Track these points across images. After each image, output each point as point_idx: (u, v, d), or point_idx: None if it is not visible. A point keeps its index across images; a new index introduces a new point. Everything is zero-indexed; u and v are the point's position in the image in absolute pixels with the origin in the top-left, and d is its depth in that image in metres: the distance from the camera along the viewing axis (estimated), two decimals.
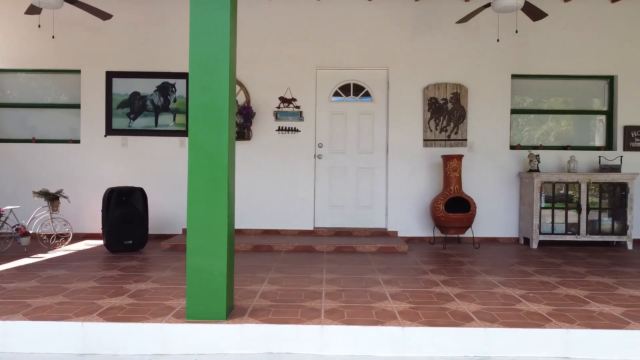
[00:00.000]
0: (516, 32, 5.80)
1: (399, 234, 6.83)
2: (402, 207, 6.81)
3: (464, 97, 6.78)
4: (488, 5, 5.33)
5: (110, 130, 6.84)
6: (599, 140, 6.98)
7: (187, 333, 3.06)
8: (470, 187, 6.78)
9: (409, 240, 6.79)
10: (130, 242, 5.75)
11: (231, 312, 3.31)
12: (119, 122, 6.84)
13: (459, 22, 5.68)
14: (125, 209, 5.75)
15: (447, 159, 6.32)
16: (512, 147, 6.87)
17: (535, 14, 5.41)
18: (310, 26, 6.83)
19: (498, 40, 6.22)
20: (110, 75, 6.86)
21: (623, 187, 6.33)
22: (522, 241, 6.71)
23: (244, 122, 6.69)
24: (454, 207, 6.30)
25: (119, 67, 6.82)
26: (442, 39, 6.78)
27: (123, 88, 6.82)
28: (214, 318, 3.15)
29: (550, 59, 6.82)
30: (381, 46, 6.82)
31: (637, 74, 6.78)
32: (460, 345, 3.02)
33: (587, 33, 6.80)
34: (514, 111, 6.95)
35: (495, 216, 6.81)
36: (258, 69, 6.82)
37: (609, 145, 6.90)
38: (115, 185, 6.50)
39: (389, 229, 6.85)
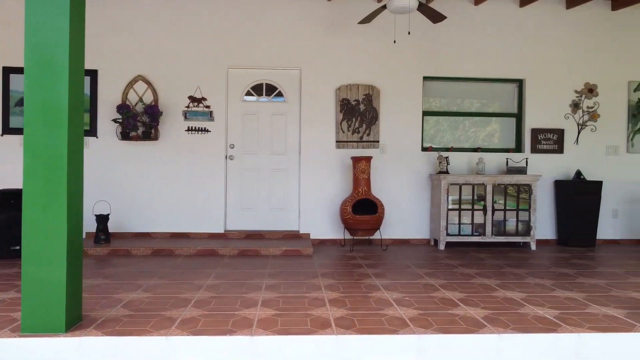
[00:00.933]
0: (408, 33, 5.89)
1: (312, 237, 6.74)
2: (315, 209, 6.73)
3: (376, 98, 6.76)
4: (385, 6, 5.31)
5: (7, 130, 6.48)
6: (510, 142, 7.09)
7: (19, 347, 2.85)
8: (382, 188, 6.77)
9: (322, 242, 6.71)
10: (18, 247, 5.43)
11: (77, 324, 3.12)
12: (17, 121, 6.49)
13: (361, 22, 5.63)
14: (12, 212, 5.43)
15: (355, 160, 6.28)
16: (424, 149, 6.90)
17: (434, 16, 5.42)
18: (222, 24, 6.66)
19: (395, 42, 6.21)
20: (7, 71, 6.49)
21: (527, 189, 6.45)
22: (432, 242, 6.74)
23: (150, 121, 6.46)
24: (363, 209, 6.26)
25: (19, 63, 6.46)
26: (354, 40, 6.74)
27: (22, 85, 6.47)
28: (51, 331, 2.95)
29: (462, 62, 6.88)
30: (294, 46, 6.72)
31: (544, 77, 6.92)
32: (316, 352, 2.93)
33: (497, 36, 6.89)
34: (426, 113, 6.98)
35: (407, 218, 6.82)
36: (167, 67, 6.61)
37: (518, 147, 7.02)
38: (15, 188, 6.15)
39: (301, 232, 6.75)
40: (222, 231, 6.69)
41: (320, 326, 3.15)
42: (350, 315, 3.39)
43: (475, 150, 6.97)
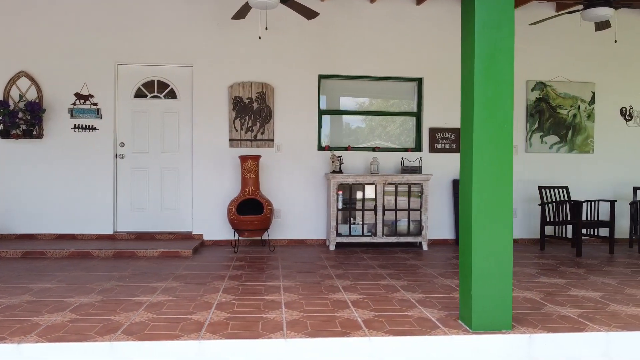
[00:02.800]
0: (266, 28, 5.81)
1: (205, 237, 6.59)
2: (208, 209, 6.58)
3: (270, 96, 6.64)
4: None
5: None
6: (410, 141, 7.03)
7: None
8: (277, 188, 6.65)
9: (215, 243, 6.56)
10: None
11: None
12: None
13: (233, 18, 5.49)
14: None
15: (242, 159, 6.15)
16: (321, 148, 6.79)
17: (305, 12, 5.31)
18: (110, 18, 6.47)
19: (260, 38, 6.08)
20: None
21: (419, 188, 6.39)
22: (328, 243, 6.64)
23: (31, 119, 6.23)
24: (252, 209, 6.13)
25: None
26: (248, 37, 6.60)
27: None
28: None
29: (360, 60, 6.80)
30: (186, 42, 6.56)
31: (442, 76, 6.87)
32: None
33: (395, 34, 6.82)
34: (325, 112, 6.87)
35: (303, 218, 6.71)
36: (52, 63, 6.39)
37: (418, 146, 6.97)
38: None
39: (194, 232, 6.60)
40: (111, 232, 6.49)
41: (109, 331, 3.00)
42: (151, 320, 3.24)
43: (373, 149, 6.88)
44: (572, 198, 6.98)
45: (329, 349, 2.94)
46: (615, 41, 5.65)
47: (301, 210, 6.71)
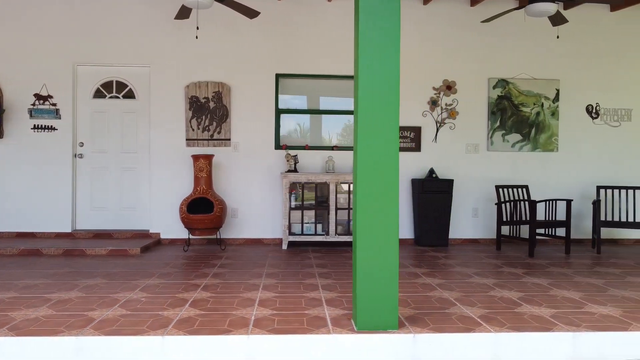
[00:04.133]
0: (197, 28, 5.97)
1: (162, 236, 6.65)
2: (165, 208, 6.63)
3: (226, 95, 6.66)
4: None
5: None
6: None
7: None
8: (235, 187, 6.67)
9: (172, 242, 6.61)
10: None
11: None
12: None
13: (176, 18, 5.52)
14: None
15: (194, 159, 6.18)
16: (278, 147, 6.79)
17: (246, 12, 5.32)
18: (68, 19, 6.56)
19: (197, 38, 6.10)
20: None
21: None
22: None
23: None
24: (205, 208, 6.15)
25: None
26: (204, 37, 6.64)
27: None
28: None
29: (318, 59, 6.78)
30: (143, 43, 6.62)
31: (402, 74, 6.72)
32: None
33: (352, 33, 6.76)
34: (283, 111, 6.87)
35: (260, 217, 6.72)
36: (12, 64, 6.52)
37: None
38: None
39: (152, 231, 6.66)
40: (69, 230, 6.59)
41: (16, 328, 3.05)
42: (46, 317, 3.29)
43: (332, 148, 6.86)
44: (536, 197, 6.86)
45: (208, 347, 2.94)
46: (558, 37, 5.53)
47: (258, 210, 6.72)
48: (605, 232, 6.95)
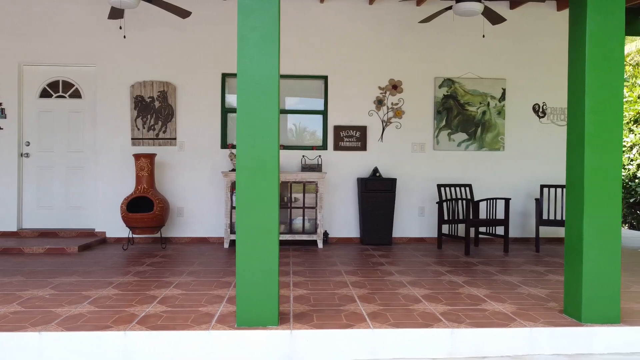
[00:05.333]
0: (120, 27, 5.95)
1: (108, 235, 6.68)
2: (111, 207, 6.66)
3: (171, 95, 6.69)
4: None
5: None
6: (319, 139, 7.00)
7: None
8: (181, 186, 6.69)
9: (117, 240, 6.64)
10: None
11: None
12: None
13: (109, 18, 5.54)
14: None
15: (136, 158, 6.21)
16: (225, 147, 6.82)
17: (179, 12, 5.35)
18: (13, 18, 6.59)
19: (125, 37, 6.11)
20: None
21: (312, 186, 6.37)
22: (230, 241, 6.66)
23: None
24: (146, 207, 6.18)
25: None
26: (150, 36, 6.67)
27: None
28: None
29: None
30: (89, 42, 6.65)
31: (347, 74, 6.85)
32: None
33: (300, 33, 6.81)
34: (230, 110, 6.89)
35: (206, 216, 6.74)
36: None
37: (324, 144, 6.94)
38: None
39: (97, 230, 6.69)
40: (15, 229, 6.62)
41: None
42: None
43: (280, 148, 6.86)
44: (482, 196, 6.88)
45: (84, 344, 2.96)
46: (484, 36, 5.56)
47: (204, 208, 6.74)
48: (552, 231, 6.98)
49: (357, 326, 3.16)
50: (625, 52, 11.69)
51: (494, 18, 5.68)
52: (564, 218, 6.82)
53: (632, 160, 9.58)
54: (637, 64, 11.05)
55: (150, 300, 3.72)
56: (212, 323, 3.19)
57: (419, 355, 3.12)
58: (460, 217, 6.29)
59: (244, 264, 3.12)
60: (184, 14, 5.41)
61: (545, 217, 6.74)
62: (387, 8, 6.83)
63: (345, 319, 3.30)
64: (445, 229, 6.67)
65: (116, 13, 5.41)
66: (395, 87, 6.89)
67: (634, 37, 11.41)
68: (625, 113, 9.83)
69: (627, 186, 9.66)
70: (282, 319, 3.28)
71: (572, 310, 3.36)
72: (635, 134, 9.53)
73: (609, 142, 3.24)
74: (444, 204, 6.53)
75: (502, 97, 6.97)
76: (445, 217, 6.46)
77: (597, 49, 3.23)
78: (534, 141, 7.04)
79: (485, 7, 5.48)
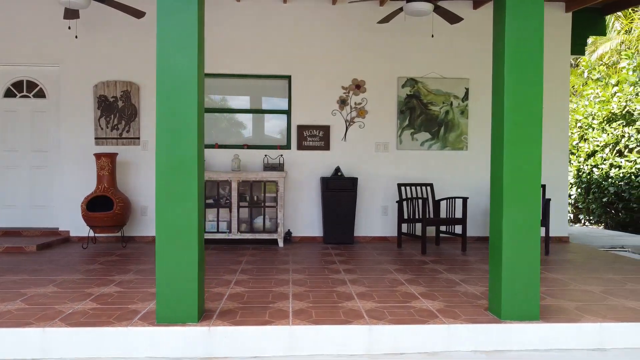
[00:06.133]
0: (69, 27, 6.10)
1: (72, 234, 6.71)
2: (75, 206, 6.68)
3: (135, 95, 6.73)
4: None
5: None
6: (283, 139, 7.03)
7: None
8: (145, 185, 6.71)
9: (81, 239, 6.67)
10: None
11: None
12: None
13: (65, 18, 5.57)
14: None
15: (96, 157, 6.25)
16: None
17: (133, 13, 5.39)
18: None
19: (77, 37, 6.14)
20: None
21: (273, 186, 6.41)
22: None
23: None
24: (108, 206, 6.20)
25: None
26: (114, 37, 6.70)
27: None
28: None
29: (229, 59, 6.84)
30: (52, 42, 6.68)
31: (310, 74, 6.87)
32: None
33: (263, 33, 6.85)
34: None
35: None
36: None
37: (288, 144, 6.97)
38: None
39: (61, 229, 6.73)
40: None
41: None
42: None
43: (242, 147, 6.91)
44: (444, 195, 6.91)
45: (3, 340, 3.00)
46: (432, 36, 5.57)
47: None
48: None
49: (276, 323, 3.19)
50: (600, 52, 11.76)
51: (451, 18, 5.72)
52: None
53: (605, 159, 9.62)
54: (613, 64, 11.09)
55: (85, 298, 3.75)
56: (134, 320, 3.22)
57: (337, 352, 3.15)
58: (419, 216, 6.32)
59: (163, 262, 3.15)
60: (138, 14, 5.45)
61: None
62: (350, 8, 6.86)
63: (268, 316, 3.33)
64: (406, 228, 6.69)
65: (70, 13, 5.45)
66: (358, 86, 6.92)
67: (609, 37, 11.46)
68: (599, 113, 9.86)
69: (601, 186, 9.70)
70: (206, 316, 3.31)
71: (495, 308, 3.40)
72: (608, 134, 9.57)
73: (528, 141, 3.27)
74: (404, 203, 6.56)
75: (466, 97, 7.00)
76: (405, 217, 6.49)
77: (516, 50, 3.26)
78: None
79: (440, 8, 5.52)
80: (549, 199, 6.13)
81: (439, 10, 5.53)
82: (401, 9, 5.47)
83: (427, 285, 4.30)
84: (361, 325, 3.18)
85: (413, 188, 6.74)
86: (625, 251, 7.14)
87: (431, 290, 4.10)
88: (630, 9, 10.79)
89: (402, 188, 6.74)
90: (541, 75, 3.28)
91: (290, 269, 4.93)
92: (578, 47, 7.26)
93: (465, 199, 6.13)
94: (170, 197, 3.14)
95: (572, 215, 11.20)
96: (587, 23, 7.23)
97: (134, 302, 3.65)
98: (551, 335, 3.23)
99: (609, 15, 10.74)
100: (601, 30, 7.41)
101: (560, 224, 7.15)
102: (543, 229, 6.05)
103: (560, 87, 7.13)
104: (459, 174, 7.01)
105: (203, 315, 3.34)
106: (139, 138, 6.75)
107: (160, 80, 3.13)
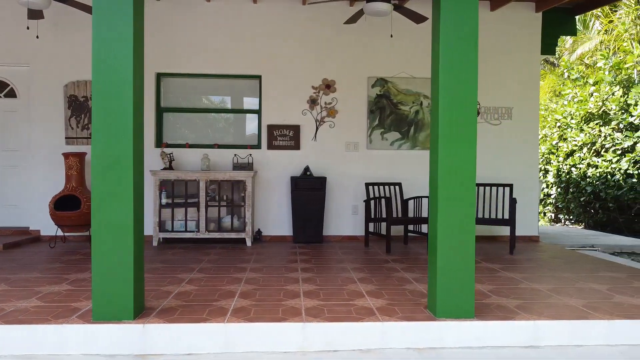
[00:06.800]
0: (27, 28, 5.98)
1: (43, 233, 6.75)
2: (45, 205, 6.70)
3: None
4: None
5: None
6: (254, 138, 7.06)
7: None
8: None
9: (52, 238, 6.69)
10: None
11: None
12: None
13: (29, 18, 5.60)
14: None
15: (65, 157, 6.28)
16: (159, 146, 6.88)
17: (82, 8, 5.41)
18: None
19: (37, 37, 6.15)
20: None
21: (240, 185, 6.44)
22: (161, 239, 6.72)
23: None
24: (76, 205, 6.23)
25: None
26: (84, 37, 6.72)
27: None
28: None
29: (200, 58, 6.87)
30: (22, 42, 6.71)
31: (281, 74, 6.90)
32: None
33: (234, 33, 6.87)
34: (165, 110, 6.96)
35: None
36: None
37: (259, 143, 7.00)
38: None
39: (32, 228, 6.76)
40: None
41: None
42: None
43: (213, 146, 6.94)
44: (415, 195, 6.93)
45: None
46: (392, 35, 5.60)
47: None
48: (487, 229, 7.04)
49: (212, 321, 3.22)
50: (579, 52, 11.79)
51: (417, 18, 5.74)
52: (492, 216, 6.89)
53: (582, 159, 9.64)
54: (594, 64, 11.12)
55: (32, 296, 3.78)
56: (72, 317, 3.25)
57: (271, 349, 3.18)
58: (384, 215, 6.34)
59: (98, 261, 3.18)
60: (86, 10, 5.44)
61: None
62: (320, 8, 6.88)
63: (207, 314, 3.36)
64: (373, 227, 6.72)
65: (34, 13, 5.48)
66: (328, 86, 6.95)
67: (589, 37, 11.48)
68: (577, 112, 9.89)
69: (579, 185, 9.73)
70: (145, 314, 3.35)
71: (432, 305, 3.43)
72: (586, 133, 9.60)
73: (462, 140, 3.30)
74: (371, 202, 6.59)
75: None
76: (372, 216, 6.52)
77: (451, 50, 3.29)
78: None
79: (404, 8, 5.55)
80: (515, 199, 6.15)
81: (403, 10, 5.55)
82: (361, 10, 5.49)
83: (378, 283, 4.33)
84: (295, 323, 3.21)
85: (381, 187, 6.77)
86: (595, 250, 7.16)
87: (380, 289, 4.13)
88: (609, 9, 10.81)
89: (370, 187, 6.76)
90: (475, 74, 3.31)
91: (249, 268, 4.96)
92: (548, 47, 7.28)
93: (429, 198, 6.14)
94: (105, 197, 3.17)
95: (552, 215, 11.23)
96: (557, 23, 7.25)
97: (79, 300, 3.68)
98: (485, 332, 3.26)
99: (580, 16, 10.79)
100: (571, 30, 7.43)
101: (531, 223, 7.18)
102: (509, 228, 6.08)
103: (530, 87, 7.16)
104: (428, 173, 7.01)
105: (143, 313, 3.36)
106: None
107: (96, 80, 3.16)
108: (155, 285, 4.20)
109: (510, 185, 6.42)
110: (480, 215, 6.91)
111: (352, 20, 5.89)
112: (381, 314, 3.40)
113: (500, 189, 6.97)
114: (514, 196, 6.76)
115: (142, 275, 3.39)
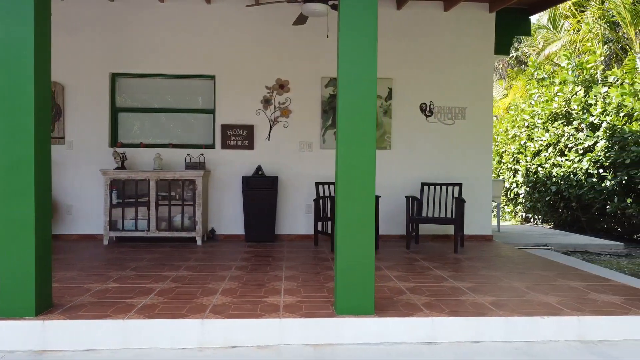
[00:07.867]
0: None
1: None
2: None
3: (59, 94, 6.81)
4: None
5: None
6: (209, 138, 7.12)
7: None
8: (70, 184, 6.81)
9: None
10: None
11: None
12: None
13: None
14: None
15: None
16: (113, 145, 6.93)
17: None
18: None
19: None
20: None
21: (191, 184, 6.49)
22: (114, 238, 6.77)
23: None
24: None
25: None
26: None
27: None
28: None
29: (155, 58, 6.92)
30: None
31: (235, 73, 6.96)
32: None
33: (188, 33, 6.93)
34: (120, 109, 7.02)
35: (94, 214, 6.85)
36: None
37: (213, 143, 7.05)
38: None
39: None
40: None
41: None
42: None
43: (167, 146, 6.99)
44: None
45: None
46: (327, 36, 5.66)
47: (92, 206, 6.85)
48: (439, 228, 7.10)
49: (113, 317, 3.28)
50: (548, 51, 11.83)
51: (300, 19, 5.77)
52: (441, 215, 6.95)
53: (548, 159, 9.69)
54: (559, 64, 11.16)
55: None
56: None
57: (170, 345, 3.23)
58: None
59: (3, 256, 3.23)
60: None
61: (424, 214, 6.84)
62: (273, 8, 6.93)
63: (111, 311, 3.41)
64: (322, 226, 6.77)
65: None
66: (282, 86, 7.00)
67: (558, 36, 11.52)
68: (542, 112, 9.94)
69: (545, 185, 9.78)
70: (52, 310, 3.41)
71: (335, 303, 3.48)
72: (551, 133, 9.64)
73: (360, 141, 3.35)
74: (320, 201, 6.64)
75: (389, 96, 7.08)
76: (322, 215, 6.57)
77: (350, 51, 3.34)
78: (421, 140, 7.15)
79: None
80: (462, 199, 6.21)
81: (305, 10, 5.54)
82: (301, 12, 5.53)
83: (302, 281, 4.38)
84: (194, 320, 3.26)
85: (331, 186, 6.82)
86: (548, 249, 7.21)
87: (300, 287, 4.18)
88: (578, 9, 10.86)
89: (320, 186, 6.81)
90: (374, 76, 3.36)
91: (183, 266, 5.02)
92: (502, 47, 7.32)
93: (377, 198, 6.20)
94: (6, 196, 3.22)
95: (523, 214, 11.28)
96: (512, 23, 7.29)
97: None
98: (385, 329, 3.31)
99: (550, 15, 10.83)
100: (525, 31, 7.48)
101: (484, 222, 7.23)
102: (453, 227, 6.13)
103: (484, 87, 7.22)
104: (382, 172, 7.04)
105: (49, 310, 3.41)
106: (63, 137, 6.84)
107: None
108: (81, 282, 4.25)
109: (460, 185, 6.48)
110: (430, 215, 6.97)
111: (299, 21, 5.93)
112: (285, 310, 3.45)
113: (450, 188, 7.01)
114: (464, 196, 6.81)
115: (49, 272, 3.44)
